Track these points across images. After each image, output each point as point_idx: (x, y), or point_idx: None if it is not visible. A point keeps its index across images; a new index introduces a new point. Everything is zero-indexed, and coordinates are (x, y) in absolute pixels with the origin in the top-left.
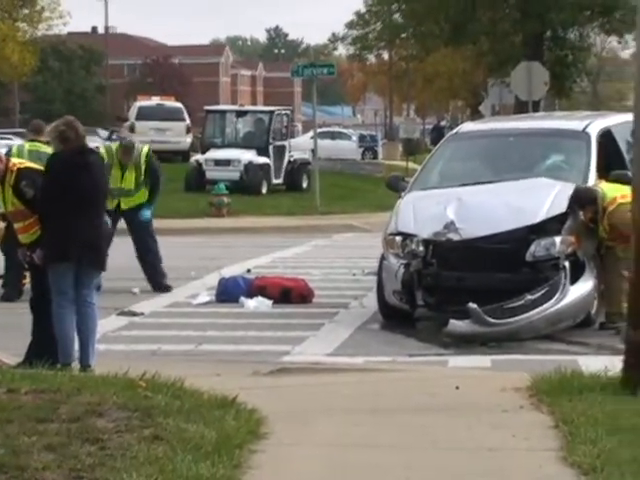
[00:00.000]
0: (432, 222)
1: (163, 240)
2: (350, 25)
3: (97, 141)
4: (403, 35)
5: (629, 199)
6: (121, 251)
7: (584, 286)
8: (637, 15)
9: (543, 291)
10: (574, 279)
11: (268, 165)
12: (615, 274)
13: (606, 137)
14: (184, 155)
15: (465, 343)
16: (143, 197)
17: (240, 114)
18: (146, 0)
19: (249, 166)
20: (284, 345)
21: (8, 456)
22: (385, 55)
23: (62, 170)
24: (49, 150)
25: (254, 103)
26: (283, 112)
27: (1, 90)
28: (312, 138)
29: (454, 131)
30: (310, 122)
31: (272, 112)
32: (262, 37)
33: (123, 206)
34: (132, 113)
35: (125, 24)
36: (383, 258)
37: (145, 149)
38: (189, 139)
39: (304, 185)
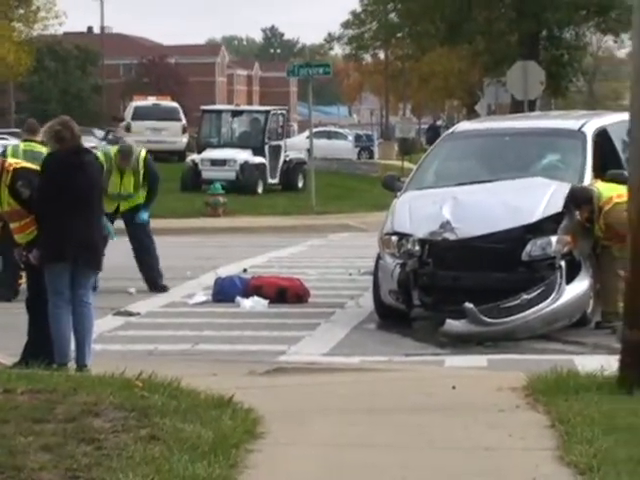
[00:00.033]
0: (428, 222)
1: (159, 240)
2: (346, 25)
3: (93, 141)
4: (399, 35)
5: (625, 198)
6: (117, 251)
7: (580, 285)
8: (633, 14)
9: (539, 290)
10: (570, 278)
11: (264, 165)
12: (611, 273)
13: (602, 136)
14: (180, 155)
15: (461, 343)
16: (141, 198)
17: (236, 114)
18: (142, 0)
19: (245, 166)
20: (280, 345)
21: (4, 456)
22: (381, 55)
23: (58, 170)
24: (44, 150)
25: (250, 103)
26: (279, 112)
27: None
28: (308, 138)
29: (450, 130)
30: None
31: (268, 112)
32: (258, 37)
33: (121, 207)
34: (128, 113)
35: (121, 24)
36: (379, 258)
37: (142, 153)
38: (185, 139)
39: (300, 185)
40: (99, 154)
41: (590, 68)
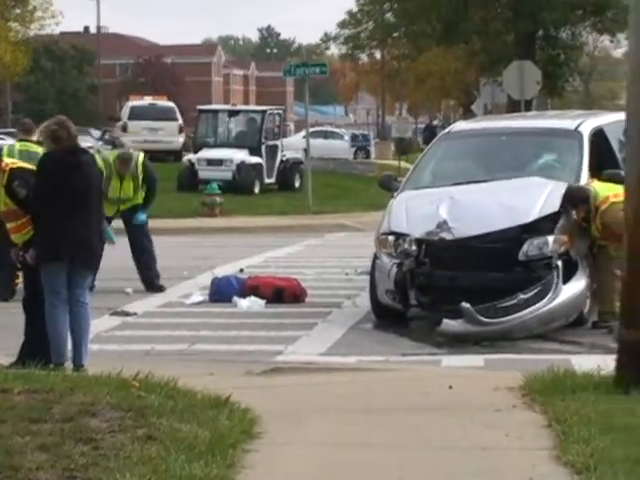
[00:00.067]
0: (425, 221)
1: (156, 240)
2: (342, 24)
3: (90, 141)
4: (395, 34)
5: (621, 198)
6: (114, 251)
7: (577, 285)
8: (629, 14)
9: (536, 290)
10: (567, 278)
11: (260, 165)
12: (608, 273)
13: (598, 136)
14: (176, 155)
15: (458, 342)
16: (140, 199)
17: (232, 114)
18: (138, 0)
19: (241, 166)
20: (277, 345)
21: (1, 456)
22: (377, 54)
23: (54, 170)
24: (40, 150)
25: (246, 103)
26: (275, 112)
27: None
28: (304, 137)
29: (446, 130)
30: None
31: (264, 112)
32: (254, 37)
33: (120, 207)
34: (124, 113)
35: (117, 24)
36: (376, 257)
37: (140, 158)
38: (181, 139)
39: (296, 185)
40: (98, 160)
41: (586, 68)
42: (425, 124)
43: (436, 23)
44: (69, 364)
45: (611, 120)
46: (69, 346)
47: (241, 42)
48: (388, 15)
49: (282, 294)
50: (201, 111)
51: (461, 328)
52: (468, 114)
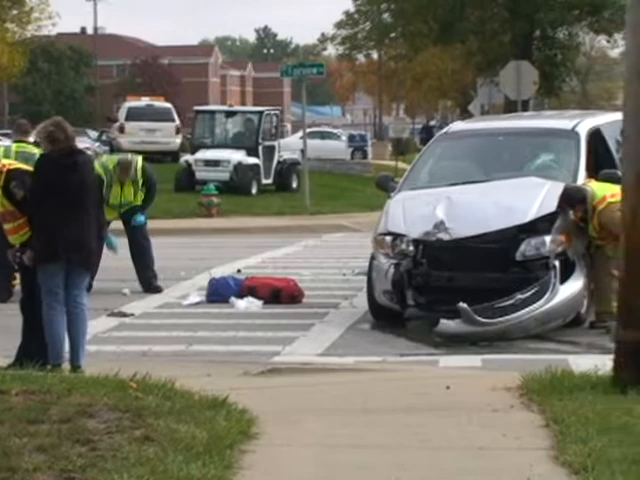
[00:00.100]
0: (422, 222)
1: (153, 240)
2: (339, 25)
3: (87, 142)
4: (392, 35)
5: (619, 198)
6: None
7: (574, 285)
8: (626, 14)
9: (533, 290)
10: (564, 278)
11: (258, 165)
12: (605, 273)
13: (595, 136)
14: (174, 156)
15: (456, 343)
16: (139, 200)
17: (229, 114)
18: (135, 1)
19: (239, 166)
20: (274, 345)
21: None
22: (374, 55)
23: (51, 171)
24: (36, 151)
25: (243, 103)
26: (272, 112)
27: None
28: (301, 138)
29: (444, 130)
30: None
31: (261, 112)
32: (251, 37)
33: (121, 210)
34: (121, 114)
35: (114, 25)
36: (373, 258)
37: (139, 163)
38: (179, 139)
39: (294, 185)
40: (97, 167)
41: (583, 68)
42: (422, 124)
43: (433, 23)
44: (66, 365)
45: (608, 120)
46: (66, 347)
47: (238, 43)
48: (385, 15)
49: (279, 295)
50: (198, 112)
51: (458, 328)
52: (465, 114)
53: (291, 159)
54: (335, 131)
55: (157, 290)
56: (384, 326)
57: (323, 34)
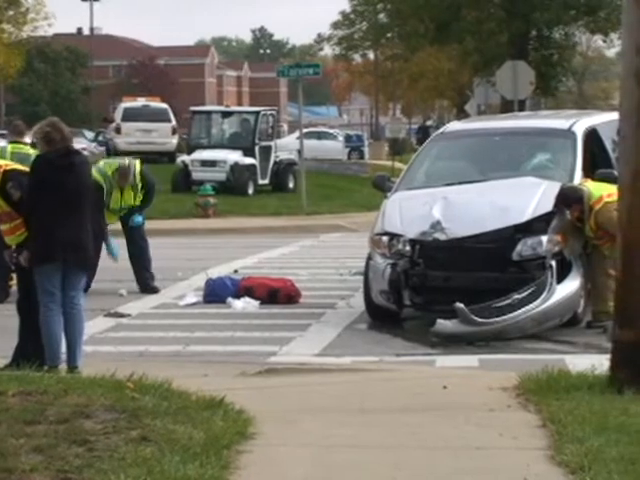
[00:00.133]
0: (419, 222)
1: (150, 241)
2: (335, 25)
3: (83, 142)
4: (388, 35)
5: (615, 198)
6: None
7: (571, 285)
8: (622, 14)
9: (530, 290)
10: (561, 278)
11: (254, 166)
12: (601, 273)
13: (592, 136)
14: (170, 156)
15: (452, 343)
16: (138, 202)
17: (226, 115)
18: (131, 1)
19: (235, 167)
20: (271, 346)
21: None
22: (371, 55)
23: (47, 171)
24: (31, 152)
25: (240, 104)
26: (269, 112)
27: None
28: (298, 138)
29: (440, 130)
30: (296, 122)
31: (258, 113)
32: (247, 38)
33: (121, 213)
34: (118, 114)
35: (110, 25)
36: (370, 258)
37: (138, 167)
38: (175, 140)
39: (290, 185)
40: (96, 175)
41: (580, 68)
42: (419, 124)
43: (429, 23)
44: (63, 366)
45: (604, 120)
46: (63, 348)
47: (234, 43)
48: (381, 15)
49: (276, 295)
50: (194, 112)
51: (455, 328)
52: (462, 114)
53: (288, 159)
54: (332, 131)
55: (154, 291)
56: (381, 326)
57: (319, 34)
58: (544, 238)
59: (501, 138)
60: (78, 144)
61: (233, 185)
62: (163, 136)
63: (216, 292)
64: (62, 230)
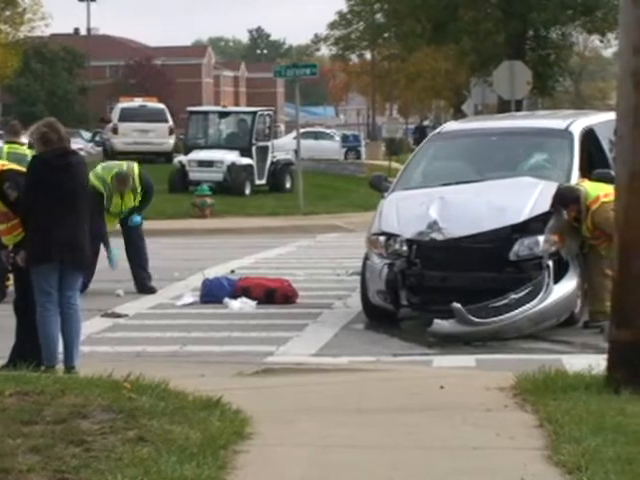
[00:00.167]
0: (415, 222)
1: (147, 241)
2: (332, 25)
3: (80, 142)
4: (385, 35)
5: (612, 198)
6: (106, 253)
7: (568, 285)
8: (619, 14)
9: (527, 290)
10: (558, 278)
11: (251, 166)
12: (598, 273)
13: (589, 136)
14: (167, 156)
15: (449, 343)
16: (137, 202)
17: (223, 115)
18: (128, 2)
19: (232, 167)
20: (268, 346)
21: None
22: (368, 55)
23: (44, 172)
24: (27, 152)
25: (237, 104)
26: (266, 113)
27: None
28: (295, 138)
29: (437, 130)
30: (293, 122)
31: (255, 113)
32: (244, 38)
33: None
34: (115, 114)
35: (107, 25)
36: (367, 258)
37: (136, 170)
38: (172, 140)
39: (287, 186)
40: (94, 180)
41: (577, 68)
42: (416, 124)
43: (426, 23)
44: (60, 366)
45: (601, 120)
46: (60, 348)
47: (231, 43)
48: (378, 15)
49: (273, 295)
50: (191, 112)
51: (452, 328)
52: (459, 114)
53: (285, 159)
54: (328, 131)
55: (151, 291)
56: (378, 326)
57: (316, 35)
58: (541, 238)
59: (498, 138)
60: (75, 144)
61: (230, 185)
62: (160, 136)
63: (213, 292)
64: (59, 230)
